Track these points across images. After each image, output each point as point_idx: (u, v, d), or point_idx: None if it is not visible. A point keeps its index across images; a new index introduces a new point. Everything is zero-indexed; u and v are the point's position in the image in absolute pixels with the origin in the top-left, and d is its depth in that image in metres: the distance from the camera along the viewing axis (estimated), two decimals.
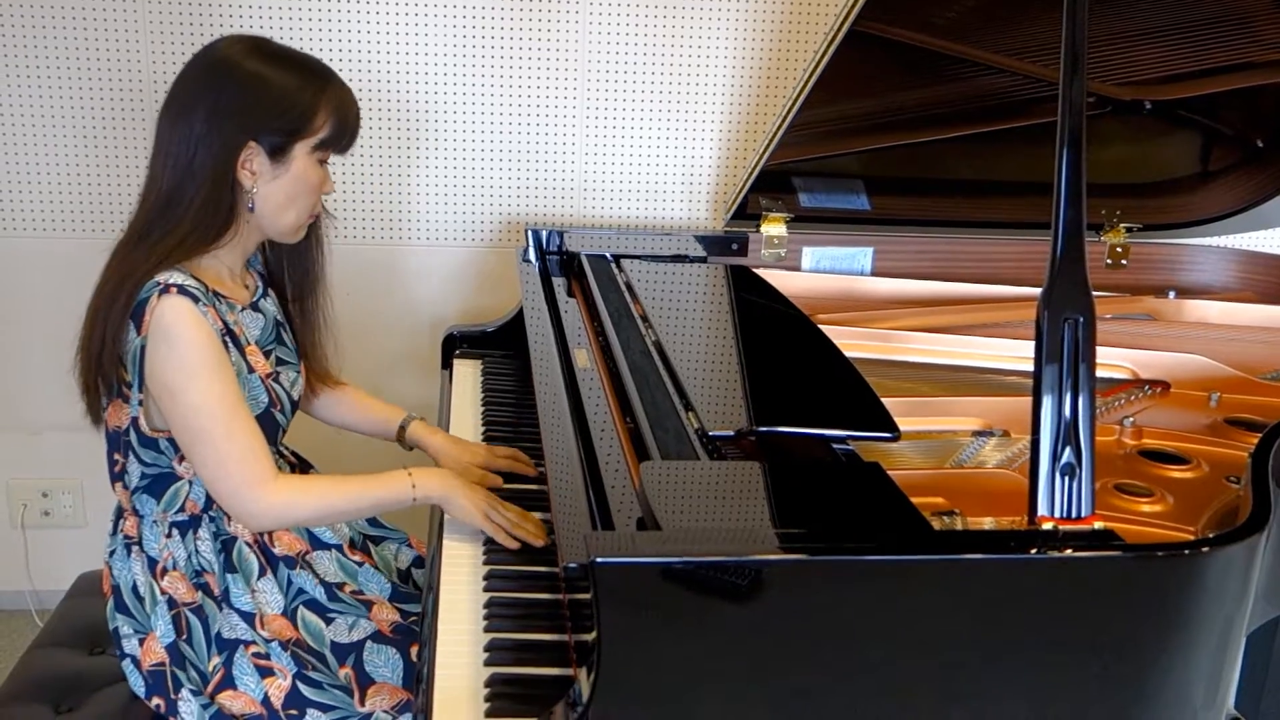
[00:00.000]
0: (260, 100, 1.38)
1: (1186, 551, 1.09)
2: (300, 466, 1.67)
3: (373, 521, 1.68)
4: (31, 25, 2.23)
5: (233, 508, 1.39)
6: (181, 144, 1.37)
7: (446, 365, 2.13)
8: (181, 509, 1.45)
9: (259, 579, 1.48)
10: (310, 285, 1.60)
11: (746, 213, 2.23)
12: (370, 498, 1.45)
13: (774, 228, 2.24)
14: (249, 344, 1.47)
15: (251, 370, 1.45)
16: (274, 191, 1.42)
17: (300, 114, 1.40)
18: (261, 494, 1.37)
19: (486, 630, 1.29)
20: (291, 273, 1.59)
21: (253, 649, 1.43)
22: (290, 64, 1.41)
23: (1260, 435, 1.38)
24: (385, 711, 1.42)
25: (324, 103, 1.41)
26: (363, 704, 1.42)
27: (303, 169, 1.42)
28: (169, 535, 1.46)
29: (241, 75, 1.38)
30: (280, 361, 1.54)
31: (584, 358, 1.62)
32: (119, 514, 1.51)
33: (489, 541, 1.47)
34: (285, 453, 1.64)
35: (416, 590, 1.61)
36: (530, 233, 2.19)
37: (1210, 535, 1.14)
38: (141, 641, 1.45)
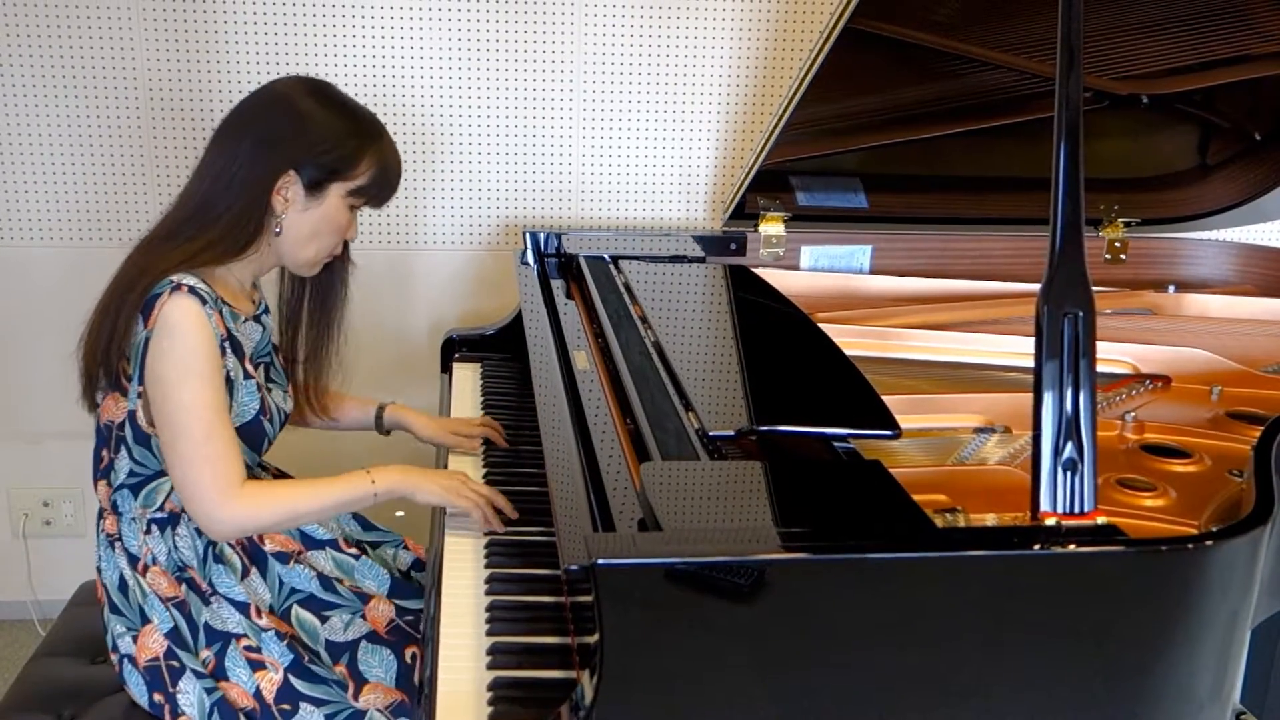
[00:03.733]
0: (309, 135, 1.43)
1: (1190, 546, 1.09)
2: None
3: (366, 525, 1.68)
4: (29, 37, 2.23)
5: (197, 510, 1.39)
6: (226, 160, 1.43)
7: (446, 369, 2.13)
8: (160, 508, 1.46)
9: (244, 579, 1.48)
10: (327, 325, 1.64)
11: (744, 212, 2.23)
12: (332, 497, 1.46)
13: (772, 227, 2.24)
14: (246, 354, 1.48)
15: (248, 376, 1.47)
16: (301, 223, 1.47)
17: (344, 157, 1.45)
18: (227, 500, 1.38)
19: (489, 634, 1.28)
20: (312, 306, 1.63)
21: (244, 642, 1.43)
22: (345, 110, 1.47)
23: (1262, 428, 1.38)
24: (380, 711, 1.42)
25: (370, 153, 1.47)
26: (356, 699, 1.43)
27: (333, 209, 1.47)
28: (147, 532, 1.47)
29: (296, 110, 1.44)
30: (270, 380, 1.56)
31: (583, 359, 1.62)
32: (99, 515, 1.52)
33: (490, 545, 1.47)
34: (269, 467, 1.66)
35: (417, 587, 1.61)
36: (528, 235, 2.19)
37: (1213, 529, 1.14)
38: (135, 639, 1.45)
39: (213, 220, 1.42)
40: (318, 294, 1.63)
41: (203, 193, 1.44)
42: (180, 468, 1.38)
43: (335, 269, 1.60)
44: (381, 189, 1.50)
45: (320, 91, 1.47)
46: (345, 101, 1.48)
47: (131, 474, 1.45)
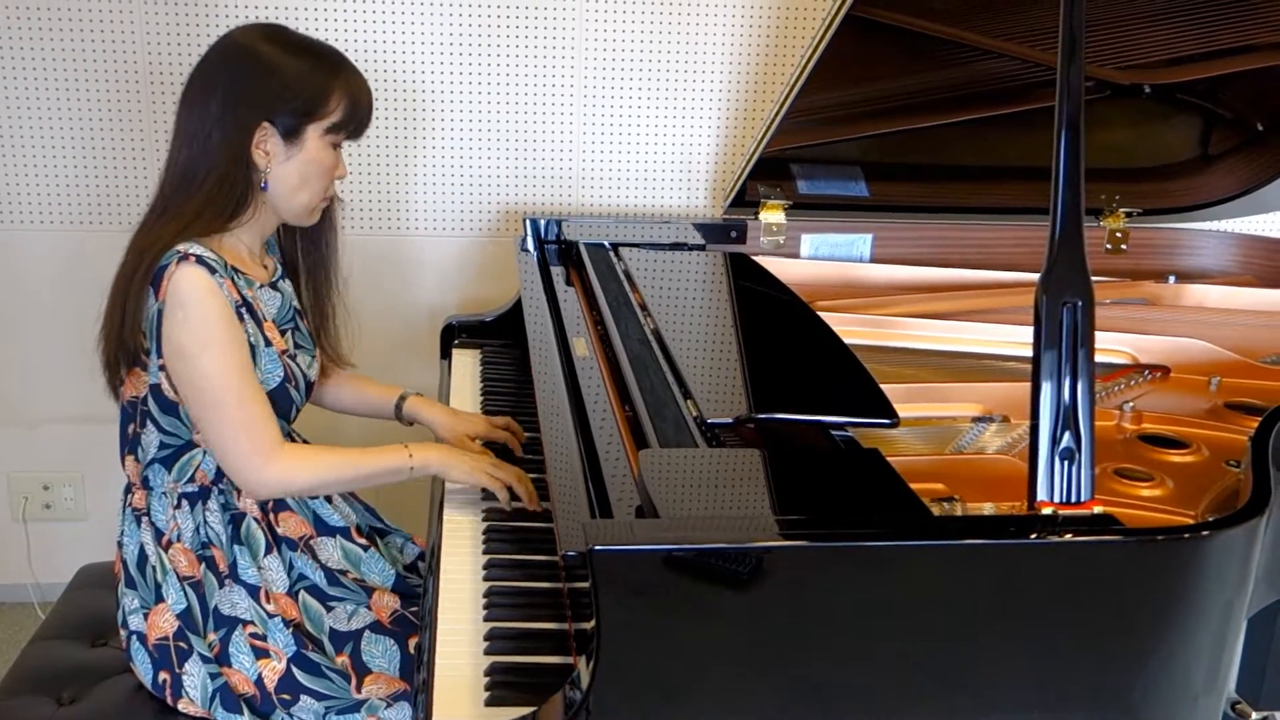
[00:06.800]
0: (274, 83, 1.41)
1: (1186, 535, 1.09)
2: None
3: (376, 517, 1.68)
4: (28, 19, 2.22)
5: (238, 474, 1.42)
6: (198, 125, 1.41)
7: (445, 355, 2.13)
8: (191, 479, 1.47)
9: (265, 556, 1.49)
10: (323, 269, 1.63)
11: (745, 200, 2.22)
12: (369, 467, 1.47)
13: (772, 215, 2.23)
14: (266, 320, 1.48)
15: (269, 344, 1.47)
16: (287, 172, 1.45)
17: (313, 97, 1.43)
18: (267, 462, 1.40)
19: (486, 619, 1.29)
20: (305, 257, 1.62)
21: (250, 629, 1.44)
22: (305, 49, 1.45)
23: (1260, 419, 1.38)
24: (380, 699, 1.42)
25: (337, 87, 1.45)
26: (359, 691, 1.43)
27: (315, 151, 1.46)
28: (177, 506, 1.47)
29: (257, 59, 1.42)
30: (297, 345, 1.56)
31: (583, 346, 1.62)
32: (127, 490, 1.52)
33: (488, 531, 1.47)
34: (297, 436, 1.65)
35: (420, 580, 1.61)
36: (528, 222, 2.19)
37: (1210, 519, 1.14)
38: (146, 616, 1.46)
39: (198, 187, 1.41)
40: (309, 240, 1.61)
41: (183, 162, 1.42)
42: (216, 437, 1.39)
43: (323, 211, 1.57)
44: (356, 119, 1.48)
45: (277, 36, 1.45)
46: (303, 41, 1.47)
47: (162, 446, 1.45)
